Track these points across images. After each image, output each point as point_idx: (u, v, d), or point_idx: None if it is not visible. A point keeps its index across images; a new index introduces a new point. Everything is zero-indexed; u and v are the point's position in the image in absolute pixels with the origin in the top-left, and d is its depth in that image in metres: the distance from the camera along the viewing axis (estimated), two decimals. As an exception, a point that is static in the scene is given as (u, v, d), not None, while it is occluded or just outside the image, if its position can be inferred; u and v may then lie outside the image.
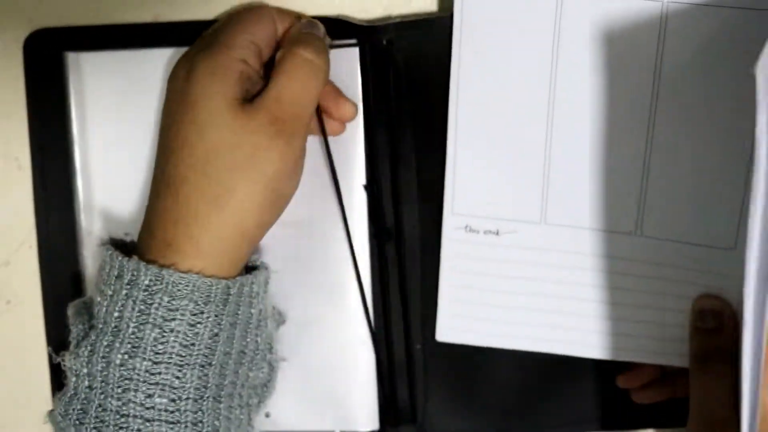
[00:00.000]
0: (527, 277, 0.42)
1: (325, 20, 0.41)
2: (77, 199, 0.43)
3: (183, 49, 0.40)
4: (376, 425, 0.44)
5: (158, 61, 0.41)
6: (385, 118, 0.42)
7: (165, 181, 0.36)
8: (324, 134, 0.41)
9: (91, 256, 0.43)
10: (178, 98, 0.36)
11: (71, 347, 0.36)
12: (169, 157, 0.36)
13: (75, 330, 0.37)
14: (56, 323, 0.43)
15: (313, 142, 0.41)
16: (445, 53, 0.41)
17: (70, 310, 0.38)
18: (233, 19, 0.38)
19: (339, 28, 0.41)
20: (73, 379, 0.36)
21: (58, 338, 0.43)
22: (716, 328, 0.39)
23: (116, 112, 0.42)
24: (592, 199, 0.41)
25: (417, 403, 0.44)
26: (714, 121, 0.39)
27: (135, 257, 0.36)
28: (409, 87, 0.42)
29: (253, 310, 0.38)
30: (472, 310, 0.43)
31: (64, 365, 0.36)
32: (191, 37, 0.40)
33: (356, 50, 0.41)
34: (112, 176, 0.43)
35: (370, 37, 0.41)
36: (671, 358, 0.42)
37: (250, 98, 0.36)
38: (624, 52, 0.39)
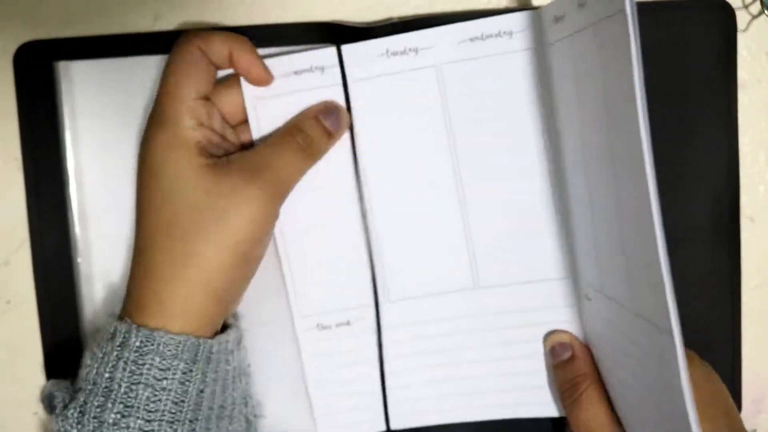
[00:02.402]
0: (387, 358, 0.42)
1: (319, 25, 0.41)
2: (70, 206, 0.43)
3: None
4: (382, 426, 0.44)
5: (148, 67, 0.41)
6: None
7: (137, 245, 0.37)
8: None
9: (85, 262, 0.43)
10: (144, 168, 0.37)
11: (57, 410, 0.36)
12: (140, 221, 0.37)
13: (59, 395, 0.36)
14: (51, 325, 0.43)
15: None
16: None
17: (49, 387, 0.38)
18: (169, 71, 0.37)
19: (334, 32, 0.41)
20: None
21: (52, 339, 0.43)
22: (571, 357, 0.40)
23: (108, 119, 0.42)
24: (425, 266, 0.41)
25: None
26: (511, 163, 0.40)
27: (127, 319, 0.36)
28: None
29: (228, 367, 0.38)
30: (345, 403, 0.42)
31: (50, 429, 0.36)
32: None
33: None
34: (105, 181, 0.43)
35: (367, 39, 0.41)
36: (542, 408, 0.42)
37: (223, 154, 0.37)
38: (414, 120, 0.40)
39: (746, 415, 0.45)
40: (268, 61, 0.39)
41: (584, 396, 0.39)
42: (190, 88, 0.37)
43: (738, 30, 0.42)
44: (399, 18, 0.42)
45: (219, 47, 0.37)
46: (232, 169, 0.36)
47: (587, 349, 0.41)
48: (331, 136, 0.39)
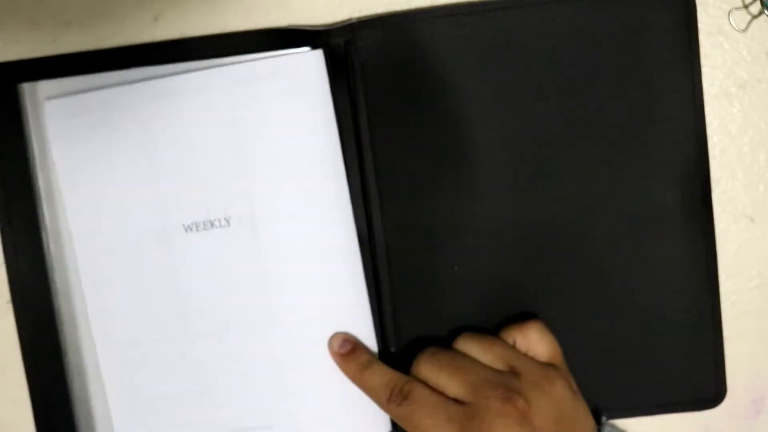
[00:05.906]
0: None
1: (276, 31, 0.41)
2: (44, 224, 0.43)
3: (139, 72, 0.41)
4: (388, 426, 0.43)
5: (114, 84, 0.41)
6: (348, 122, 0.42)
7: None
8: None
9: (60, 279, 0.43)
10: None
11: None
12: None
13: None
14: (30, 341, 0.44)
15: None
16: (406, 51, 0.41)
17: None
18: None
19: (291, 37, 0.41)
20: None
21: (32, 353, 0.44)
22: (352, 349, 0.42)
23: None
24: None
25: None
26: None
27: None
28: (369, 88, 0.42)
29: None
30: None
31: None
32: (146, 59, 0.41)
33: (320, 53, 0.41)
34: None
35: (326, 41, 0.41)
36: None
37: None
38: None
39: (746, 414, 0.45)
40: (240, 66, 0.40)
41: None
42: None
43: (738, 30, 0.42)
44: (358, 18, 0.42)
45: None
46: None
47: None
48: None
